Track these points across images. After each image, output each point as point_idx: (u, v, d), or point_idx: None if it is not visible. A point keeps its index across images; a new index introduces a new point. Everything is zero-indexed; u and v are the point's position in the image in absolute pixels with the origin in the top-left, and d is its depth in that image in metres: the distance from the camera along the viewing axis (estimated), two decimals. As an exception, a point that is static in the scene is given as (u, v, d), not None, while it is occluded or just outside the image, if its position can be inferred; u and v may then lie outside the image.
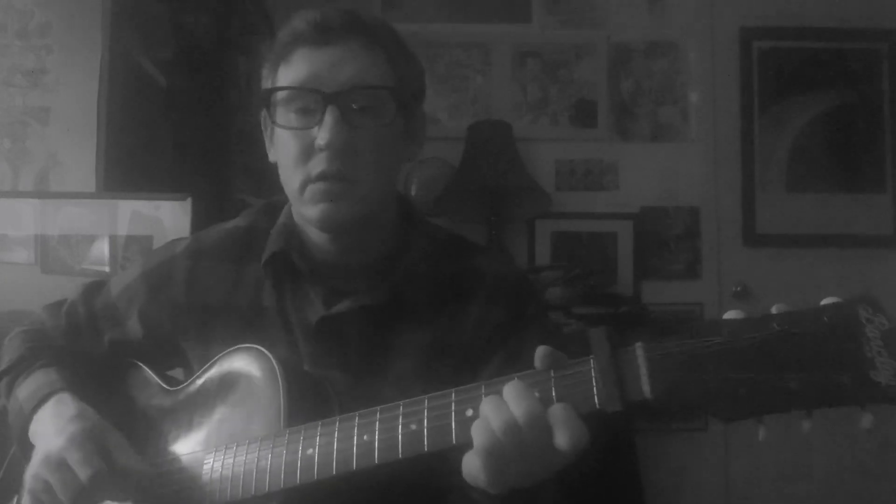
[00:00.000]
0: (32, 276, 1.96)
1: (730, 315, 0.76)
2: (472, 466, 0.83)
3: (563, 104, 3.00)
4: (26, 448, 1.07)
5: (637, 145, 2.99)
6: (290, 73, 1.04)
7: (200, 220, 1.89)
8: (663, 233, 2.96)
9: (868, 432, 0.71)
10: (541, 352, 0.83)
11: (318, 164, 1.02)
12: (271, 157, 1.12)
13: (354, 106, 1.02)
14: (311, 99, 1.02)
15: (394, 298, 1.07)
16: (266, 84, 1.09)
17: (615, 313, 2.65)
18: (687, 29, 3.01)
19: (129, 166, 2.24)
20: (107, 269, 1.96)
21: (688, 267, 2.95)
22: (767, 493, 2.80)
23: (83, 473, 0.97)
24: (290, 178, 1.05)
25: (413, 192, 2.89)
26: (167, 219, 1.96)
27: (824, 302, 0.74)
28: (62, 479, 0.97)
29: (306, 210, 1.05)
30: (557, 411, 0.79)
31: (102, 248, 1.97)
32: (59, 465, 0.98)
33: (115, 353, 1.20)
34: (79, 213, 1.98)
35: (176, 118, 2.49)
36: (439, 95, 2.94)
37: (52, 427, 1.03)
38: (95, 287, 1.24)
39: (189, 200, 1.96)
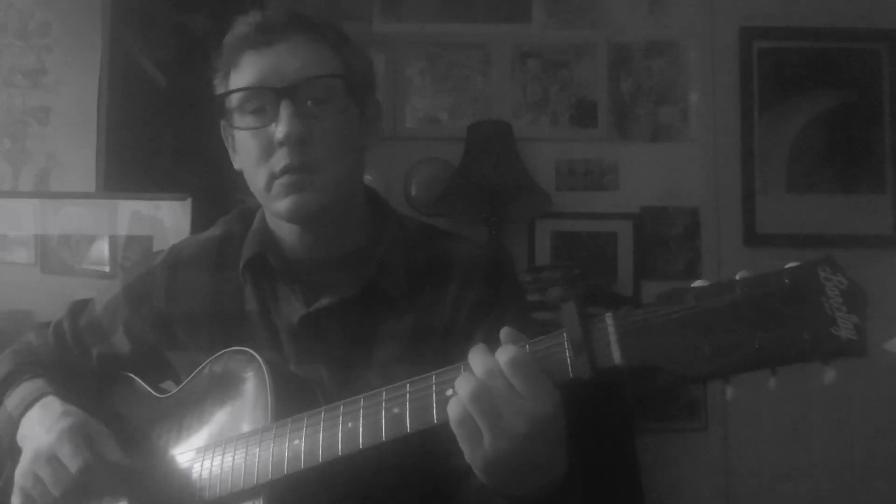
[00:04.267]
0: (32, 276, 1.96)
1: (696, 284, 0.78)
2: None
3: (563, 104, 3.00)
4: (15, 454, 1.08)
5: (637, 145, 2.98)
6: (240, 77, 1.07)
7: (200, 220, 1.89)
8: (663, 233, 2.96)
9: (830, 387, 0.73)
10: (505, 333, 0.84)
11: (280, 159, 1.03)
12: (236, 166, 1.14)
13: (307, 97, 1.04)
14: (264, 97, 1.04)
15: (371, 289, 1.09)
16: (219, 90, 1.11)
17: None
18: (687, 29, 3.01)
19: (129, 166, 2.24)
20: (107, 268, 1.96)
21: (688, 267, 2.95)
22: (767, 493, 2.80)
23: (73, 465, 0.98)
24: (255, 178, 1.07)
25: (413, 193, 2.89)
26: (167, 219, 1.96)
27: (786, 266, 0.76)
28: (53, 473, 0.99)
29: (275, 205, 1.07)
30: (513, 361, 0.80)
31: (102, 248, 1.97)
32: (50, 459, 0.99)
33: (104, 367, 1.22)
34: (79, 213, 1.99)
35: (176, 118, 2.49)
36: (439, 95, 2.94)
37: (40, 427, 1.04)
38: (80, 305, 1.26)
39: (189, 200, 1.96)
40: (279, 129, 1.02)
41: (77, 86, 2.16)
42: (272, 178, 1.05)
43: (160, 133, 2.48)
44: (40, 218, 1.97)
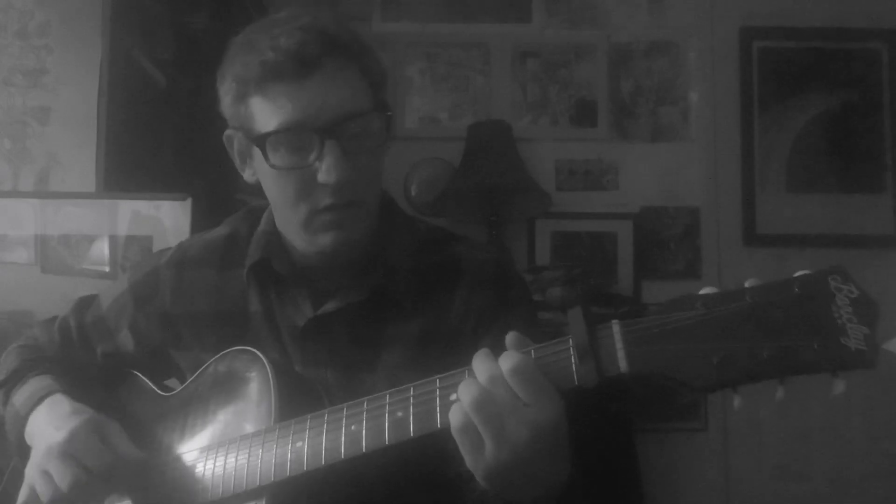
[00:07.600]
0: (32, 276, 1.96)
1: (704, 291, 0.77)
2: None
3: (563, 104, 3.00)
4: (23, 450, 1.08)
5: (637, 145, 2.99)
6: (271, 109, 1.00)
7: (200, 220, 1.89)
8: (663, 233, 2.96)
9: (841, 397, 0.72)
10: (510, 339, 0.83)
11: (324, 198, 1.01)
12: (248, 177, 1.10)
13: (348, 135, 1.00)
14: (305, 136, 0.99)
15: (379, 294, 1.08)
16: (232, 107, 1.05)
17: (615, 313, 2.64)
18: (687, 29, 3.01)
19: (129, 166, 2.24)
20: (107, 268, 1.96)
21: (688, 267, 2.95)
22: (767, 492, 2.80)
23: (89, 462, 0.98)
24: (292, 213, 1.04)
25: (413, 192, 2.89)
26: (167, 219, 1.96)
27: (796, 274, 0.75)
28: (63, 470, 0.99)
29: (315, 239, 1.05)
30: (516, 368, 0.79)
31: (102, 248, 1.97)
32: (60, 456, 0.99)
33: (109, 364, 1.22)
34: (79, 213, 1.99)
35: (176, 118, 2.49)
36: (439, 95, 2.94)
37: (51, 424, 1.04)
38: (86, 302, 1.26)
39: (189, 200, 1.96)
40: (327, 172, 0.98)
41: (77, 86, 2.16)
42: (313, 214, 1.02)
43: (160, 133, 2.47)
44: (40, 218, 1.97)
